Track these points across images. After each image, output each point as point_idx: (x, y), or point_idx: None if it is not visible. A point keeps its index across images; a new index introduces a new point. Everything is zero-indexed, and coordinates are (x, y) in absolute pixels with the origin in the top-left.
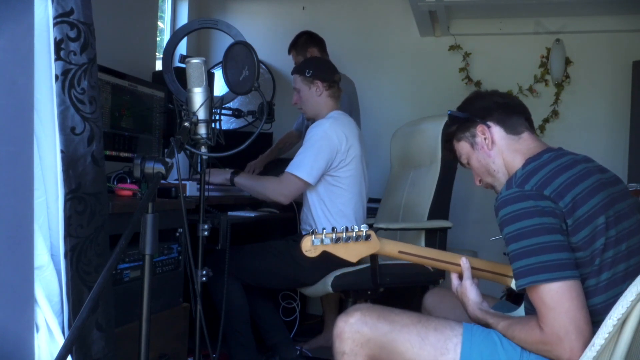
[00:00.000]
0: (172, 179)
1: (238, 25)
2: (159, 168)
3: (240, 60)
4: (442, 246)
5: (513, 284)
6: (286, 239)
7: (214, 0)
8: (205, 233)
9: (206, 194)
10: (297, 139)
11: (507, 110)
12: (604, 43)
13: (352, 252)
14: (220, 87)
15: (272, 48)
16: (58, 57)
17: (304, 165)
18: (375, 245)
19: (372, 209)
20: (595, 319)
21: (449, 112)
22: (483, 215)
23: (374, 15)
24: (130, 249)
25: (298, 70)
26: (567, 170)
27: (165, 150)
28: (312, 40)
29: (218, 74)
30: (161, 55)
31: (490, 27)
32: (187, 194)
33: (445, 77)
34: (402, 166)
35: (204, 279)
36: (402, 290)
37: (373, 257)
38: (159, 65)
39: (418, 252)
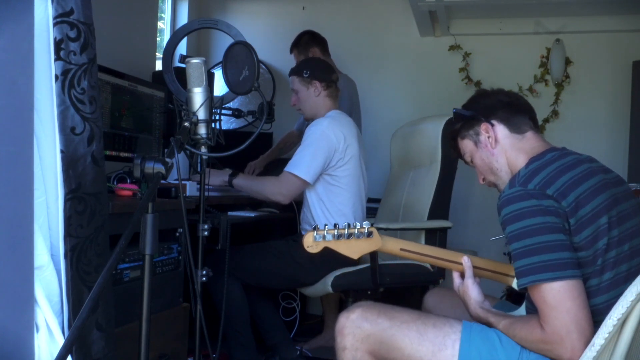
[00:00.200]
0: (172, 179)
1: (238, 25)
2: (159, 168)
3: (240, 60)
4: (442, 246)
5: (514, 284)
6: (286, 239)
7: (214, 0)
8: (205, 233)
9: (206, 194)
10: (297, 138)
11: (512, 109)
12: (604, 43)
13: (353, 249)
14: (220, 87)
15: (272, 48)
16: (58, 57)
17: (301, 164)
18: (377, 243)
19: (372, 209)
20: (597, 319)
21: (453, 110)
22: (483, 215)
23: (374, 15)
24: (130, 249)
25: (295, 71)
26: (570, 170)
27: (165, 150)
28: (314, 40)
29: (218, 74)
30: (161, 55)
31: (490, 27)
32: (187, 194)
33: (445, 77)
34: (402, 166)
35: (204, 279)
36: (402, 290)
37: (373, 257)
38: (159, 65)
39: (420, 250)
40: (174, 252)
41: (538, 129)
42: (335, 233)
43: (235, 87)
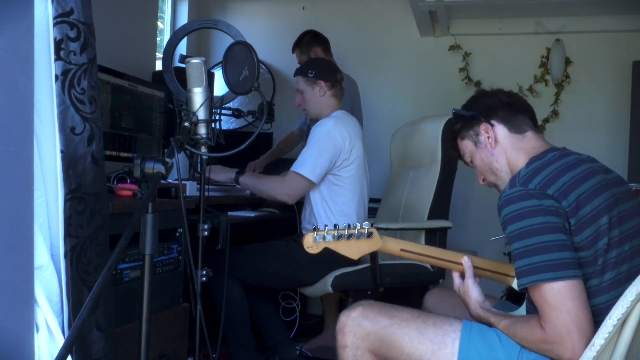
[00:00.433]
0: (172, 179)
1: (238, 25)
2: (159, 168)
3: (240, 60)
4: (442, 246)
5: (514, 284)
6: (286, 239)
7: (214, 0)
8: (205, 233)
9: (206, 194)
10: (298, 139)
11: (512, 109)
12: (604, 43)
13: (353, 250)
14: (220, 87)
15: (272, 48)
16: (58, 57)
17: (307, 163)
18: (377, 243)
19: (372, 209)
20: (597, 319)
21: (453, 110)
22: (483, 216)
23: (374, 15)
24: (130, 249)
25: (300, 71)
26: (571, 170)
27: (165, 150)
28: (317, 39)
29: (218, 74)
30: (161, 55)
31: (490, 27)
32: (187, 194)
33: (445, 77)
34: (402, 166)
35: (204, 279)
36: (402, 290)
37: (373, 257)
38: (159, 65)
39: (420, 250)
40: (174, 252)
41: (538, 129)
42: (335, 234)
43: (235, 87)
